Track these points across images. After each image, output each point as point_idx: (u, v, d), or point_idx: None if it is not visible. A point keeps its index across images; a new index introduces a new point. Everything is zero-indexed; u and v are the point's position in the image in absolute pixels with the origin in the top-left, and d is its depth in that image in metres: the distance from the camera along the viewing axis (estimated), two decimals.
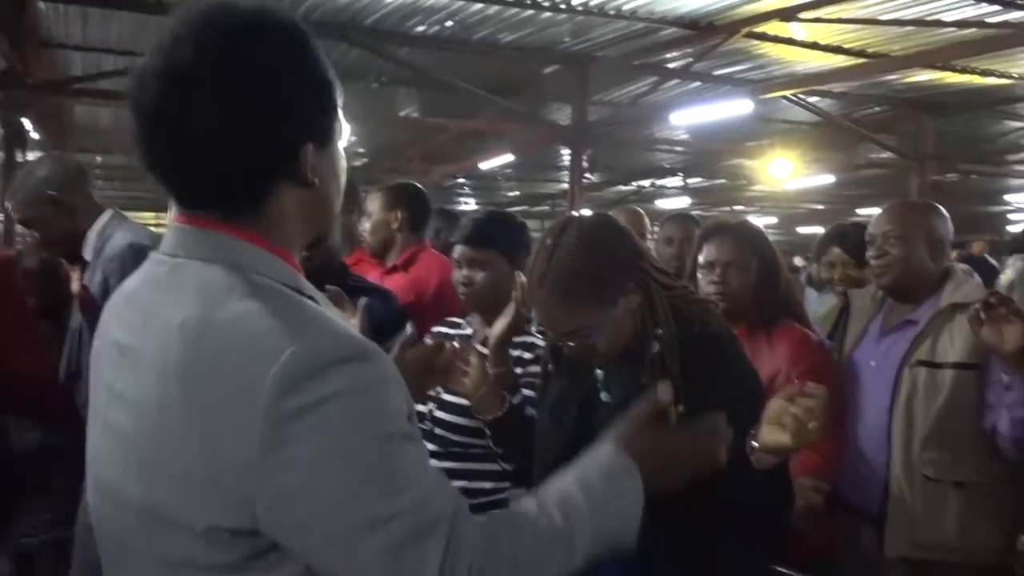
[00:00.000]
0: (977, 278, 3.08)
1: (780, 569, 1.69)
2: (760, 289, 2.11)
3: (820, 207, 22.44)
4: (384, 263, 2.94)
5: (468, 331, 2.04)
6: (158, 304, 0.89)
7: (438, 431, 1.89)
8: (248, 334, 0.82)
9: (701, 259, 2.15)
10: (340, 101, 0.96)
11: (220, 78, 0.85)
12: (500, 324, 1.78)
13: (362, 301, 2.02)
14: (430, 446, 1.89)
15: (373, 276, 2.79)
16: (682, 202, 20.50)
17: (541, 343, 1.89)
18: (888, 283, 2.14)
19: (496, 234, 1.99)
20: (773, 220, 25.58)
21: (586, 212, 1.52)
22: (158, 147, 0.90)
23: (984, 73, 8.89)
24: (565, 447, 1.42)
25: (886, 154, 12.24)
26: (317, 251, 2.30)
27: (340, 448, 0.80)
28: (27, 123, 7.48)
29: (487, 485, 1.86)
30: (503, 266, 1.97)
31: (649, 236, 3.31)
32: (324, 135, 0.93)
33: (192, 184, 0.90)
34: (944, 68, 8.57)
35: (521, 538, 0.89)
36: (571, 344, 1.45)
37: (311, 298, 0.91)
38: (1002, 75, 8.98)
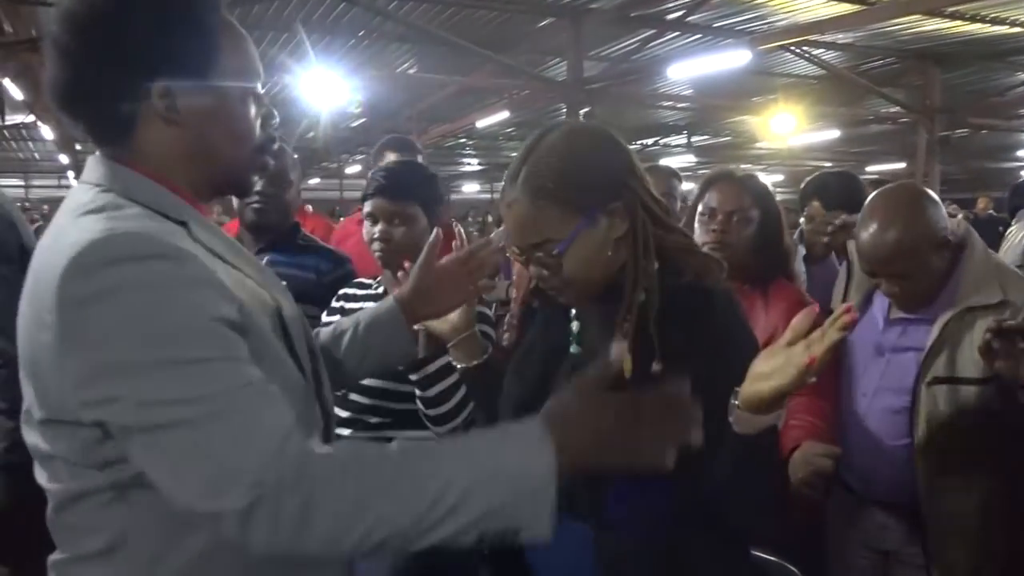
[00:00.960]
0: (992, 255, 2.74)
1: (757, 553, 1.46)
2: (760, 244, 1.97)
3: (827, 164, 22.14)
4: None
5: (379, 291, 1.88)
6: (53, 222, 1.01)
7: (352, 396, 1.75)
8: (69, 236, 0.90)
9: (701, 206, 1.99)
10: (232, 48, 1.02)
11: (60, 28, 0.97)
12: None
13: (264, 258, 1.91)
14: (342, 413, 1.75)
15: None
16: (687, 160, 20.26)
17: (487, 311, 1.76)
18: (912, 309, 1.84)
19: (415, 185, 1.83)
20: (779, 177, 25.30)
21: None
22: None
23: (994, 21, 8.58)
24: (521, 404, 1.28)
25: (894, 108, 11.94)
26: (272, 203, 2.20)
27: (122, 337, 0.85)
28: (7, 83, 7.30)
29: None
30: (421, 219, 1.81)
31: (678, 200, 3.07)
32: (187, 74, 0.98)
33: (68, 122, 1.02)
34: (952, 16, 8.26)
35: (368, 477, 0.86)
36: (537, 265, 1.22)
37: (181, 223, 0.98)
38: (1013, 23, 8.66)
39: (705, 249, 1.74)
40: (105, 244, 0.87)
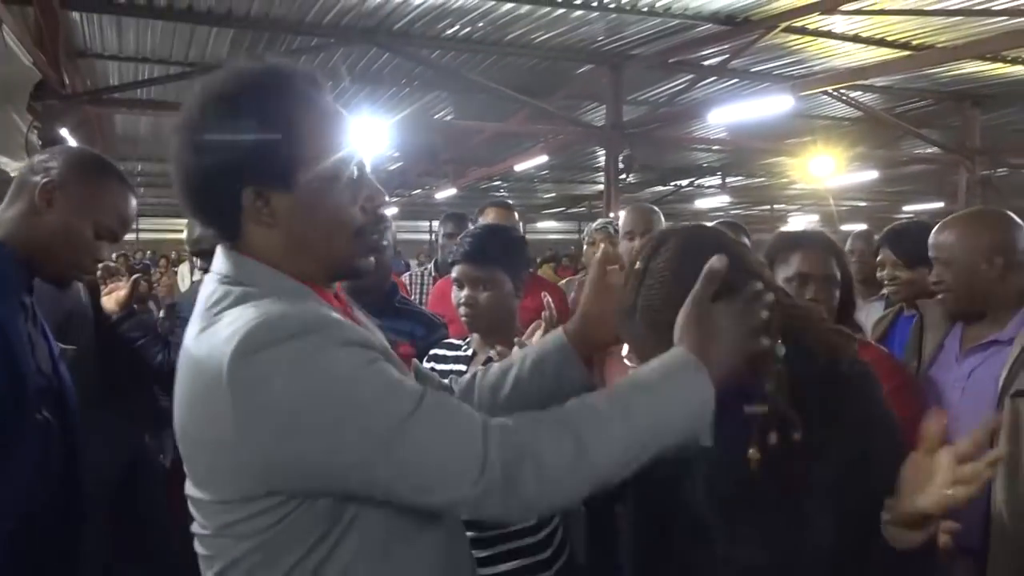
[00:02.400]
0: None
1: None
2: (841, 304, 1.95)
3: (863, 203, 21.99)
4: None
5: (468, 352, 1.92)
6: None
7: None
8: (221, 332, 0.97)
9: (785, 272, 1.92)
10: (323, 152, 1.05)
11: (174, 140, 1.05)
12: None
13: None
14: None
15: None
16: (721, 200, 20.25)
17: None
18: (952, 310, 2.02)
19: (498, 251, 1.86)
20: (815, 218, 25.15)
21: (685, 224, 1.26)
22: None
23: None
24: (660, 481, 1.25)
25: (931, 149, 11.88)
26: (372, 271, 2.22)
27: (301, 401, 0.92)
28: (65, 134, 7.53)
29: None
30: (506, 284, 1.85)
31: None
32: (272, 178, 1.03)
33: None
34: (993, 59, 8.24)
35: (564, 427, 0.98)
36: None
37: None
38: None
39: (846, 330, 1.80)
40: (262, 329, 0.94)
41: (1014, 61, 8.47)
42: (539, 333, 1.57)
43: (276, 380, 0.91)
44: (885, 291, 2.90)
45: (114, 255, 14.49)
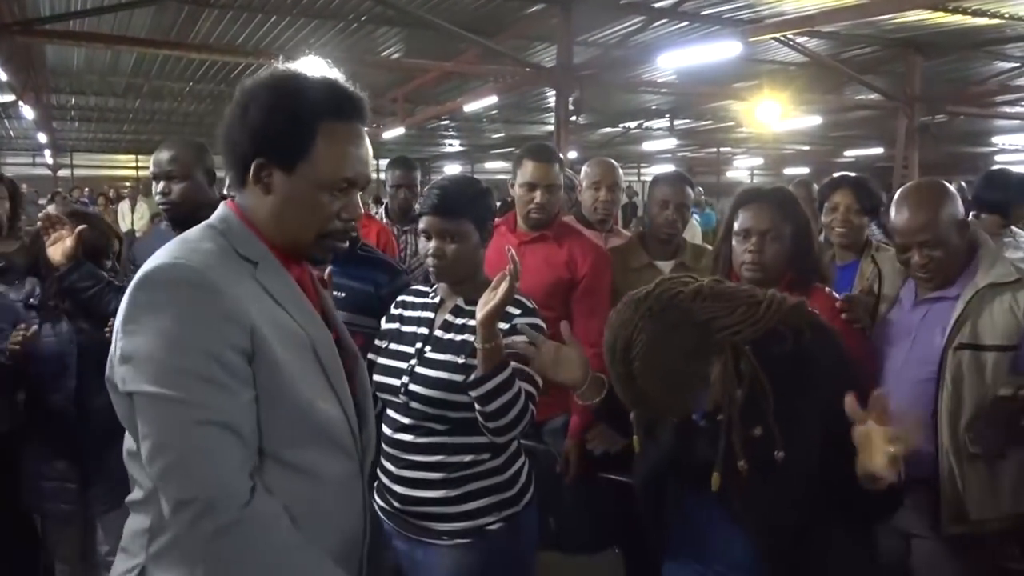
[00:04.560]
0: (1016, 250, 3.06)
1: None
2: (794, 256, 2.11)
3: (807, 148, 22.35)
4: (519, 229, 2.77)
5: (436, 300, 1.97)
6: None
7: (413, 404, 1.83)
8: (159, 253, 1.24)
9: (736, 226, 2.14)
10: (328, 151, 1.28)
11: (230, 112, 1.31)
12: (493, 301, 1.67)
13: (328, 271, 1.97)
14: (404, 419, 1.85)
15: (509, 242, 2.57)
16: (668, 143, 20.38)
17: (516, 311, 1.83)
18: (936, 286, 2.12)
19: (467, 203, 1.89)
20: (759, 161, 25.52)
21: (640, 298, 1.45)
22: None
23: (975, 13, 8.73)
24: (658, 467, 1.58)
25: (874, 95, 12.11)
26: None
27: (154, 339, 1.15)
28: None
29: (466, 458, 1.81)
30: (473, 235, 1.89)
31: (621, 185, 3.25)
32: (282, 161, 1.27)
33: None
34: (935, 7, 8.40)
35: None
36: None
37: (253, 263, 1.27)
38: (993, 14, 8.82)
39: (744, 269, 2.01)
40: (167, 268, 1.19)
41: (955, 10, 8.64)
42: (504, 284, 1.63)
43: (151, 313, 1.16)
44: (832, 235, 2.95)
45: (49, 195, 14.00)
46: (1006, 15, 8.86)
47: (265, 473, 1.20)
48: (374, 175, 4.02)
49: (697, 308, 1.38)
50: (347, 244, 1.38)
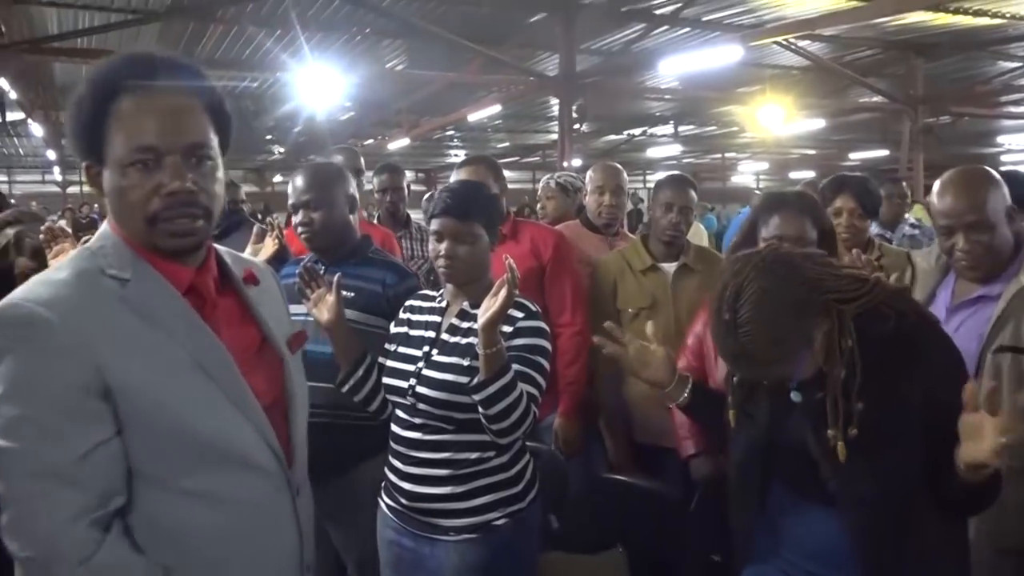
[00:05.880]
0: None
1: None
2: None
3: (811, 152, 22.33)
4: None
5: (443, 304, 2.00)
6: None
7: (421, 406, 1.87)
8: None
9: (765, 232, 2.09)
10: (120, 151, 1.18)
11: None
12: (493, 307, 1.69)
13: (336, 276, 2.00)
14: (415, 419, 1.88)
15: None
16: (673, 150, 20.40)
17: (520, 314, 1.86)
18: (982, 275, 1.99)
19: (478, 207, 1.93)
20: (764, 166, 25.49)
21: (753, 252, 1.47)
22: None
23: (977, 13, 8.75)
24: (756, 444, 1.57)
25: (877, 98, 12.12)
26: (313, 229, 2.24)
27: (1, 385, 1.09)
28: (3, 84, 7.31)
29: (472, 455, 1.84)
30: (484, 239, 1.93)
31: (626, 190, 3.34)
32: (91, 155, 1.20)
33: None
34: (937, 8, 8.42)
35: None
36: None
37: (124, 280, 1.18)
38: (995, 15, 8.83)
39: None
40: (3, 310, 1.12)
41: (956, 11, 8.65)
42: (504, 292, 1.66)
43: None
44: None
45: (60, 212, 14.12)
46: (1008, 15, 8.87)
47: (158, 505, 1.15)
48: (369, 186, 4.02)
49: (808, 267, 1.41)
50: (202, 225, 1.22)
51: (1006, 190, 1.97)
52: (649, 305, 2.73)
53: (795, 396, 1.51)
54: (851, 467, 1.42)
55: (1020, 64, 11.63)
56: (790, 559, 1.56)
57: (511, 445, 1.86)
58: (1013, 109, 14.26)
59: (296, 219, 2.29)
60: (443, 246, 1.90)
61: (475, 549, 1.82)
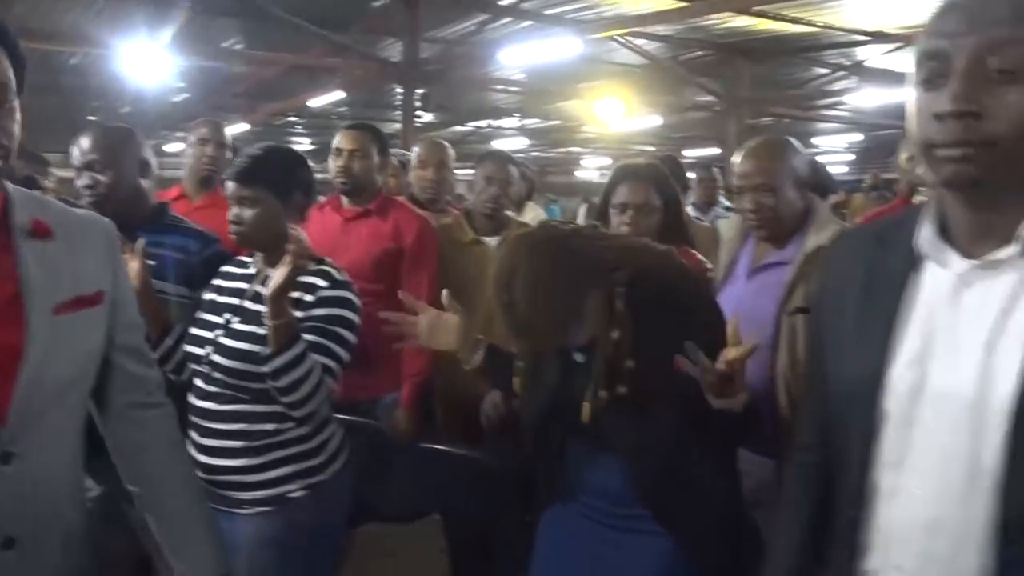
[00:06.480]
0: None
1: None
2: (665, 227, 2.28)
3: (650, 148, 23.29)
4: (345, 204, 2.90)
5: (252, 271, 1.96)
6: None
7: (216, 375, 1.82)
8: None
9: (614, 200, 2.29)
10: None
11: None
12: (275, 278, 1.70)
13: (140, 242, 1.92)
14: (210, 388, 1.83)
15: (333, 220, 2.83)
16: (519, 143, 20.70)
17: (323, 283, 1.84)
18: (767, 235, 2.16)
19: (266, 171, 1.90)
20: (607, 161, 26.35)
21: (525, 233, 1.62)
22: None
23: (793, 20, 9.40)
24: (548, 404, 1.68)
25: (709, 97, 12.80)
26: (97, 194, 2.12)
27: None
28: None
29: (269, 427, 1.81)
30: (272, 204, 1.88)
31: (449, 165, 3.37)
32: None
33: None
34: (758, 14, 8.99)
35: None
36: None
37: None
38: (808, 23, 9.52)
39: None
40: None
41: (775, 17, 9.27)
42: (287, 260, 1.65)
43: None
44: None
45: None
46: (820, 24, 9.59)
47: None
48: None
49: (578, 242, 1.53)
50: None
51: (801, 162, 2.14)
52: (474, 277, 2.70)
53: (578, 357, 1.62)
54: (625, 420, 1.56)
55: (830, 71, 12.60)
56: (587, 502, 1.67)
57: (312, 416, 1.83)
58: (826, 112, 15.44)
59: (80, 182, 2.16)
60: (232, 211, 1.88)
61: (270, 522, 1.80)
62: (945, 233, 1.08)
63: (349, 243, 2.72)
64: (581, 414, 1.56)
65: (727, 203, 4.99)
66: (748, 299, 2.15)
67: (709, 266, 2.39)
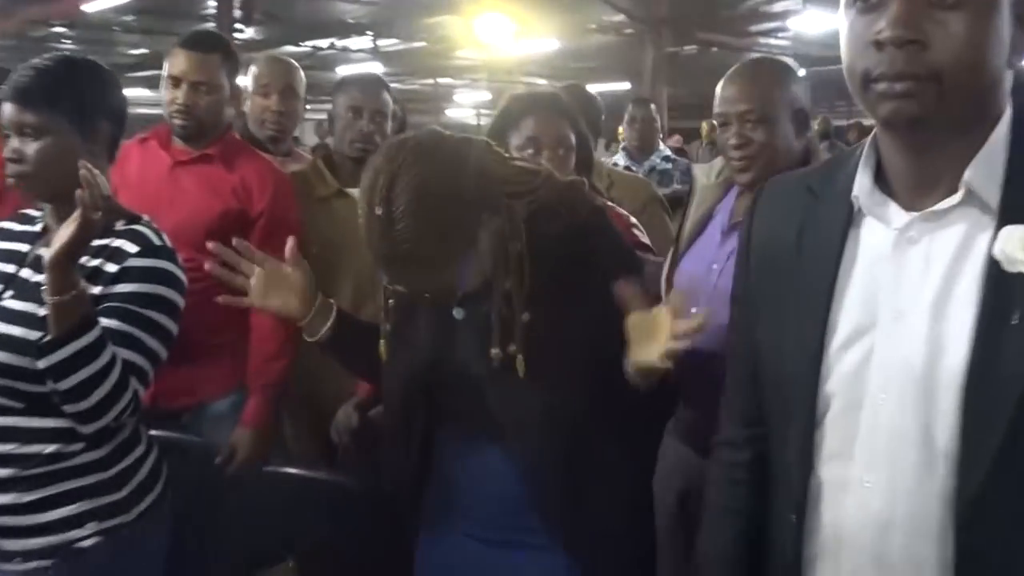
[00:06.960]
0: None
1: None
2: (579, 164, 2.28)
3: (542, 81, 23.55)
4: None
5: (38, 227, 1.90)
6: None
7: None
8: None
9: (516, 139, 2.22)
10: None
11: None
12: (59, 236, 1.62)
13: None
14: None
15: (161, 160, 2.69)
16: (373, 68, 20.54)
17: (133, 248, 1.80)
18: (753, 179, 2.12)
19: (59, 90, 1.80)
20: (487, 96, 26.50)
21: (408, 136, 1.58)
22: None
23: None
24: (416, 374, 1.69)
25: (618, 16, 13.05)
26: None
27: None
28: None
29: (48, 448, 1.75)
30: (66, 136, 1.81)
31: (300, 93, 3.33)
32: None
33: None
34: None
35: None
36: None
37: None
38: None
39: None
40: None
41: None
42: (78, 215, 1.61)
43: None
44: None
45: None
46: None
47: None
48: None
49: (471, 155, 1.54)
50: None
51: (802, 91, 2.18)
52: (338, 240, 2.63)
53: (457, 313, 1.65)
54: (517, 388, 1.58)
55: None
56: (467, 514, 1.71)
57: (114, 433, 1.79)
58: (764, 40, 16.02)
59: None
60: (11, 145, 1.80)
61: None
62: (883, 182, 1.19)
63: (177, 196, 2.60)
64: (459, 384, 1.61)
65: (667, 151, 5.10)
66: (722, 262, 2.17)
67: (640, 229, 2.46)
